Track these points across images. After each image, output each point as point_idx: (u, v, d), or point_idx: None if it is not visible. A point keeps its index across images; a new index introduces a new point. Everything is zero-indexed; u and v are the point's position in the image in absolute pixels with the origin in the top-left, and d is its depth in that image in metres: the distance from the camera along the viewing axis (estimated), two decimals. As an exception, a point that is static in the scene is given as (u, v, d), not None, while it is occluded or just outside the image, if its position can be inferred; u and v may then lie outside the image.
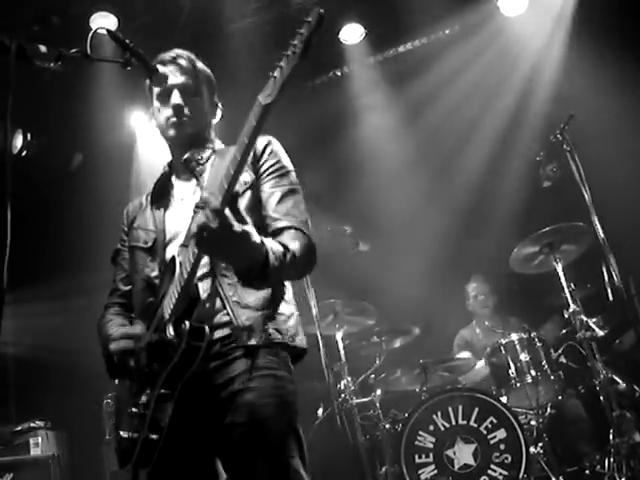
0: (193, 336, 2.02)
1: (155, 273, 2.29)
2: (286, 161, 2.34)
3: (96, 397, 5.51)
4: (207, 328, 2.05)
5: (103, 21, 5.29)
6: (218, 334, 2.13)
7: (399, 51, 6.49)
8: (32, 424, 5.14)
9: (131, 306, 2.44)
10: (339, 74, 6.69)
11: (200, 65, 2.46)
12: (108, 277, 2.61)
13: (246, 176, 2.23)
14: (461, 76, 6.38)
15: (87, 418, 5.68)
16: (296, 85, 6.27)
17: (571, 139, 4.53)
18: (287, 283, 2.31)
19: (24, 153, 6.27)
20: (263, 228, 2.17)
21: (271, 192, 2.25)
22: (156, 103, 2.41)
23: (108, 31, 2.23)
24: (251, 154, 2.15)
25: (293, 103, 5.60)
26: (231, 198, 1.87)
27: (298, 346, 2.23)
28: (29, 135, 6.29)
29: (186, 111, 2.35)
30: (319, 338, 4.73)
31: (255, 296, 2.15)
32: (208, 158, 2.37)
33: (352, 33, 6.23)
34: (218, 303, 2.14)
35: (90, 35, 2.16)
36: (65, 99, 5.99)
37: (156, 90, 2.39)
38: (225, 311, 2.13)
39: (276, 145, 2.35)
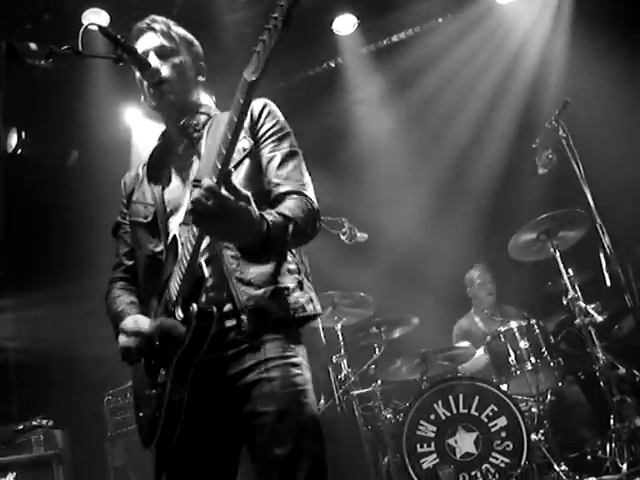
0: (201, 319, 2.01)
1: (159, 248, 2.24)
2: (284, 123, 2.28)
3: (98, 395, 5.54)
4: (215, 309, 2.03)
5: (95, 17, 5.29)
6: (230, 323, 2.10)
7: (392, 40, 6.48)
8: (34, 422, 5.13)
9: (135, 280, 2.40)
10: (333, 65, 6.68)
11: (177, 28, 2.41)
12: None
13: (245, 142, 2.18)
14: (457, 65, 6.37)
15: (89, 416, 5.70)
16: (289, 77, 6.28)
17: (566, 124, 4.52)
18: (293, 250, 2.25)
19: (19, 151, 6.26)
20: (265, 193, 2.14)
21: (271, 156, 2.19)
22: (137, 74, 2.33)
23: (99, 27, 2.22)
24: (247, 120, 2.12)
25: (287, 95, 5.59)
26: (225, 176, 1.83)
27: (310, 313, 2.18)
28: (24, 133, 6.28)
29: (163, 72, 2.28)
30: (320, 330, 4.74)
31: (258, 270, 2.11)
32: (204, 123, 2.32)
33: (345, 23, 6.23)
34: (225, 288, 2.10)
35: (81, 31, 2.15)
36: (60, 96, 5.98)
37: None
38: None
39: (273, 107, 2.29)
